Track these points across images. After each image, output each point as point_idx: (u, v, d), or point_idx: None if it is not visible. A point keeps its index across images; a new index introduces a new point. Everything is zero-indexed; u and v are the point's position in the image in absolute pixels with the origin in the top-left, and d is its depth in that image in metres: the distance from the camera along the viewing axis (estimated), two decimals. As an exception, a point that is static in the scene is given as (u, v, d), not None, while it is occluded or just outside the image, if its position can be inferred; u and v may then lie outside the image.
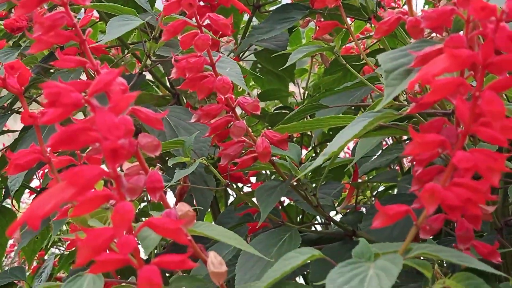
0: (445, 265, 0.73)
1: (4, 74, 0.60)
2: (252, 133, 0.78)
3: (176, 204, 0.95)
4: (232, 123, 0.76)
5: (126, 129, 0.44)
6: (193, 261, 0.47)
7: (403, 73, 0.55)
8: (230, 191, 1.22)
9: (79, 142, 0.41)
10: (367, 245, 0.53)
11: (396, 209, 0.50)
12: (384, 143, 1.43)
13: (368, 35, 1.36)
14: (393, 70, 0.55)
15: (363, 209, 1.09)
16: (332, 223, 0.90)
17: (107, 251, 0.47)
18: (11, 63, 0.60)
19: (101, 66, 0.53)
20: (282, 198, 1.14)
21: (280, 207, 0.96)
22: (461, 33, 0.52)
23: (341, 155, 1.77)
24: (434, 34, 0.66)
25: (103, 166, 0.47)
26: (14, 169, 0.56)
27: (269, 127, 1.14)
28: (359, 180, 1.21)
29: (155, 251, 0.90)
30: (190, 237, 0.54)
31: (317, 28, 1.04)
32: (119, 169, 0.48)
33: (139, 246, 0.55)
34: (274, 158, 0.81)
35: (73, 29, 0.53)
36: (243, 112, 0.80)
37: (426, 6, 1.29)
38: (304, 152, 1.51)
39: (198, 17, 0.74)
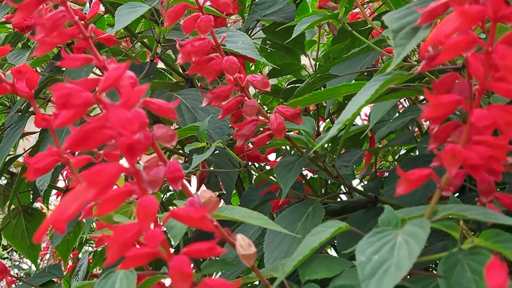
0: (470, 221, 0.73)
1: (12, 79, 0.60)
2: (268, 110, 0.78)
3: (197, 190, 0.96)
4: (243, 102, 0.76)
5: (141, 122, 0.44)
6: (221, 245, 0.47)
7: (410, 31, 0.54)
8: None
9: (94, 141, 0.41)
10: (392, 212, 0.53)
11: (419, 174, 0.49)
12: (400, 106, 1.42)
13: (373, -2, 1.35)
14: (401, 29, 0.54)
15: (387, 174, 1.08)
16: (354, 191, 0.90)
17: (137, 245, 0.47)
18: (18, 67, 0.59)
19: (109, 60, 0.53)
20: (305, 172, 1.14)
21: (304, 181, 0.96)
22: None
23: (359, 122, 1.76)
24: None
25: (122, 161, 0.47)
26: (34, 173, 0.56)
27: (284, 103, 1.14)
28: (380, 145, 1.20)
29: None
30: (216, 222, 0.54)
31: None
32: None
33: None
34: (290, 133, 0.81)
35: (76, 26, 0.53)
36: (257, 90, 0.79)
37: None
38: (323, 124, 1.51)
39: (199, -1, 0.73)
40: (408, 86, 0.70)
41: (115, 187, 0.59)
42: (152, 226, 0.42)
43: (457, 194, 0.87)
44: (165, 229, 0.59)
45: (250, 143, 0.82)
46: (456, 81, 0.53)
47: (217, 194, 0.57)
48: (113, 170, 0.40)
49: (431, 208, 0.51)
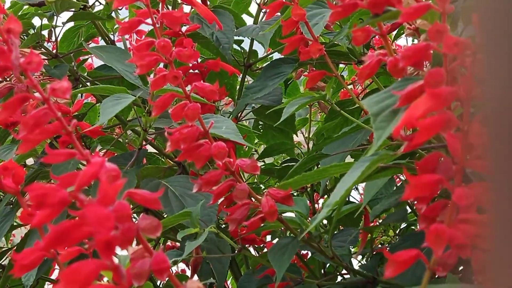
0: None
1: (-2, 176, 0.60)
2: (264, 189, 0.78)
3: (191, 277, 0.94)
4: (234, 187, 0.76)
5: (122, 215, 0.44)
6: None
7: (390, 114, 0.54)
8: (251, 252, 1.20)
9: (73, 239, 0.41)
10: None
11: (406, 255, 0.49)
12: (398, 179, 1.41)
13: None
14: (380, 113, 0.55)
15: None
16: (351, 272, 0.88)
17: None
18: (5, 164, 0.60)
19: (93, 153, 0.53)
20: (305, 251, 1.12)
21: (302, 262, 0.95)
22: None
23: (357, 197, 1.75)
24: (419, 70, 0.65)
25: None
26: (20, 270, 0.55)
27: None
28: (379, 222, 1.19)
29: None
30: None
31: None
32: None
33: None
34: (286, 213, 0.80)
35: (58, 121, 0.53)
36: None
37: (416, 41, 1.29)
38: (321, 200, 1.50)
39: (185, 87, 0.74)
40: (397, 164, 0.70)
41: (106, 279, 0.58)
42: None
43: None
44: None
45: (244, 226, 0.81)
46: (441, 160, 0.53)
47: (209, 282, 0.56)
48: (90, 268, 0.40)
49: (422, 290, 0.51)
